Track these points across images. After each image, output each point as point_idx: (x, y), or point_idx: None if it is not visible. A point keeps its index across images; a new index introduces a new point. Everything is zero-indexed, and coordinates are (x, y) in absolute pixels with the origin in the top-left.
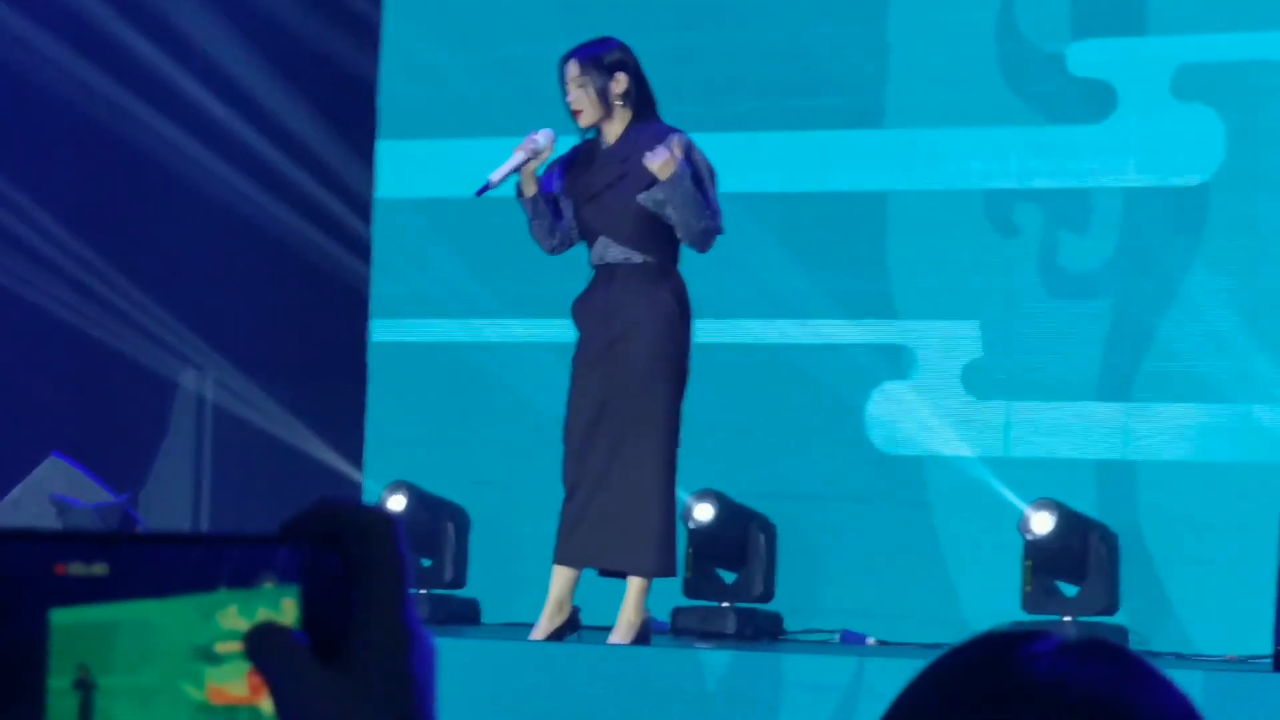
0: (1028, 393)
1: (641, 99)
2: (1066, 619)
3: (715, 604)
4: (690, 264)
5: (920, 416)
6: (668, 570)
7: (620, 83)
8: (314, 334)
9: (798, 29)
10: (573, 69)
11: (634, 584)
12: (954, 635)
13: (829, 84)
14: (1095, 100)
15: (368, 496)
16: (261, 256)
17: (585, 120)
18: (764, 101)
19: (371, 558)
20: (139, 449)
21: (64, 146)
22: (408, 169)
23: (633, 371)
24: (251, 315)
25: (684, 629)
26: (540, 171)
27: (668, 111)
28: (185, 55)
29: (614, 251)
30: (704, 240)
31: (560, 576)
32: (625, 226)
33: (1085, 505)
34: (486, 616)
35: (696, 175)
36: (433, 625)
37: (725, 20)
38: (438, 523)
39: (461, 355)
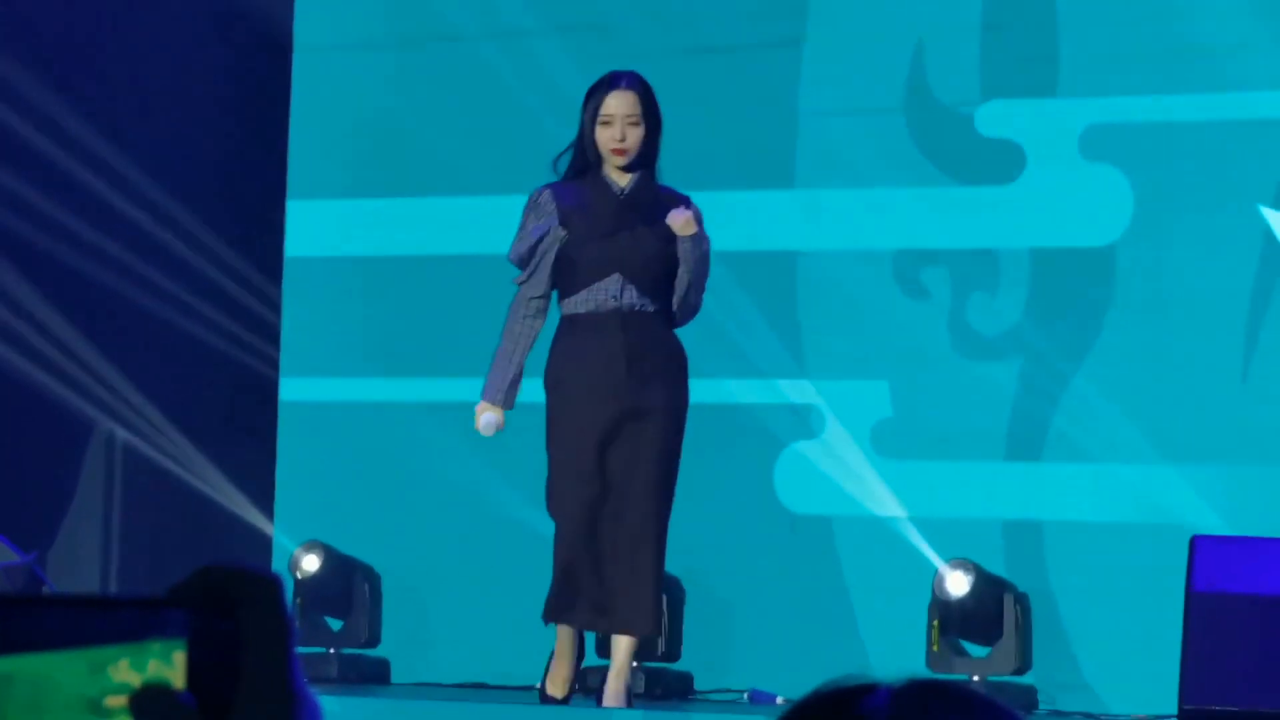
0: (937, 452)
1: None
2: (975, 678)
3: None
4: None
5: (830, 476)
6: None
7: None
8: (226, 392)
9: (707, 89)
10: (631, 103)
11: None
12: None
13: (738, 144)
14: (1003, 161)
15: (279, 554)
16: (171, 316)
17: (622, 161)
18: (673, 161)
19: (259, 621)
20: (46, 507)
21: None
22: (318, 228)
23: (665, 433)
24: (162, 373)
25: (591, 688)
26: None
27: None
28: (92, 112)
29: (630, 294)
30: (690, 312)
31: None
32: (647, 272)
33: (994, 565)
34: (396, 676)
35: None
36: (343, 685)
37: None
38: (351, 582)
39: (372, 414)
